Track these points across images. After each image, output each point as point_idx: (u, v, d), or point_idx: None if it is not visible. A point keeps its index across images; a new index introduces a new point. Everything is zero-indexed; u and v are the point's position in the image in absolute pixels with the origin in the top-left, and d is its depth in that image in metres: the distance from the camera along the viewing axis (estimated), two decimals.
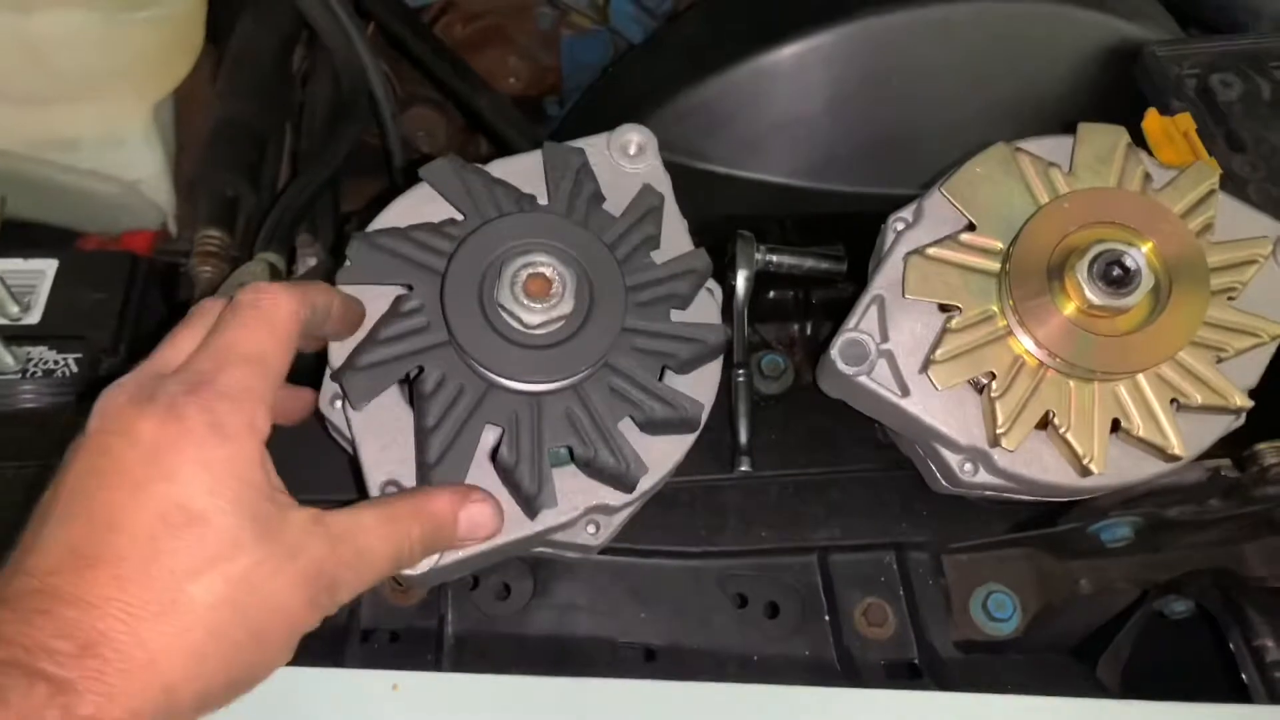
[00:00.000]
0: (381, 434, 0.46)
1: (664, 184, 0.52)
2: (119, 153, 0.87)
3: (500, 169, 0.50)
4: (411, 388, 0.46)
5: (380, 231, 0.47)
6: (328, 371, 0.49)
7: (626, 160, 0.52)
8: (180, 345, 0.41)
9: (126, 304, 0.77)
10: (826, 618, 0.60)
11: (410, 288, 0.46)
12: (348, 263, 0.46)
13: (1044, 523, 0.62)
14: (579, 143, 0.52)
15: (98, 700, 0.33)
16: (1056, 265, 0.49)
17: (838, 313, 0.71)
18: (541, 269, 0.44)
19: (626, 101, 0.88)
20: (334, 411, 0.48)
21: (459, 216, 0.48)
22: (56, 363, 0.74)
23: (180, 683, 0.35)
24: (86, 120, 0.85)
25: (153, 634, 0.35)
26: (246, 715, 0.46)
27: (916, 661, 0.59)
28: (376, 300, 0.47)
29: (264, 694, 0.45)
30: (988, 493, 0.56)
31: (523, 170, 0.50)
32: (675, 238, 0.51)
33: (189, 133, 0.91)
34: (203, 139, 0.90)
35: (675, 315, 0.49)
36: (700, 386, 0.49)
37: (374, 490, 0.46)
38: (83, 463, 0.38)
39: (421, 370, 0.45)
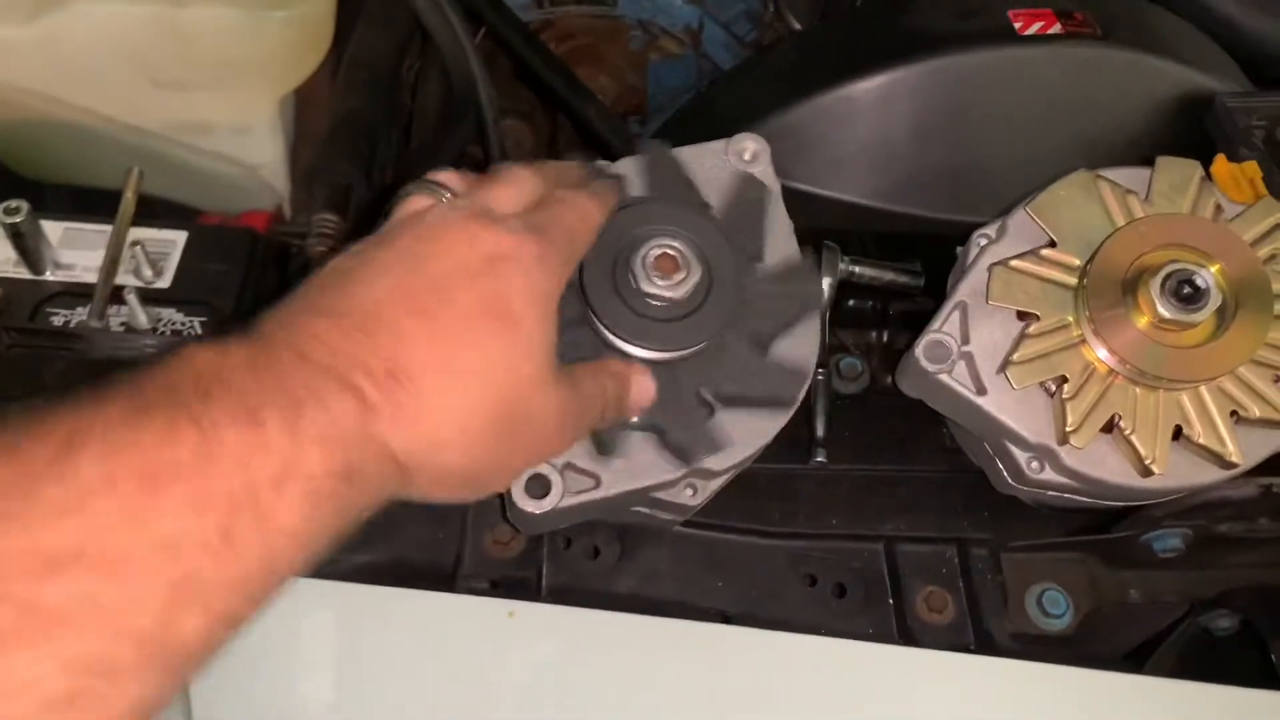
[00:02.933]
0: None
1: (775, 186, 0.58)
2: (245, 139, 0.94)
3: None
4: None
5: None
6: None
7: (742, 165, 0.58)
8: (502, 199, 0.45)
9: (247, 275, 0.83)
10: (890, 601, 0.64)
11: None
12: None
13: (1099, 530, 0.66)
14: (700, 147, 0.58)
15: (388, 427, 0.36)
16: (1131, 281, 0.54)
17: (913, 324, 0.76)
18: (670, 250, 0.49)
19: (719, 120, 0.94)
20: None
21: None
22: (183, 324, 0.80)
23: (445, 446, 0.39)
24: (220, 107, 0.92)
25: (444, 392, 0.38)
26: (376, 632, 0.52)
27: (973, 647, 0.63)
28: None
29: (392, 612, 0.51)
30: (1050, 493, 0.61)
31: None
32: (781, 231, 0.57)
33: (307, 125, 0.98)
34: (320, 131, 0.98)
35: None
36: (802, 350, 0.54)
37: None
38: (419, 239, 0.42)
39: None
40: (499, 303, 0.41)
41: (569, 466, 0.52)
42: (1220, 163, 0.74)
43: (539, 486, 0.51)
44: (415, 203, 0.45)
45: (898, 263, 0.75)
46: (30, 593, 0.28)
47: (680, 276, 0.49)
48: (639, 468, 0.52)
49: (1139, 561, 0.66)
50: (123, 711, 0.30)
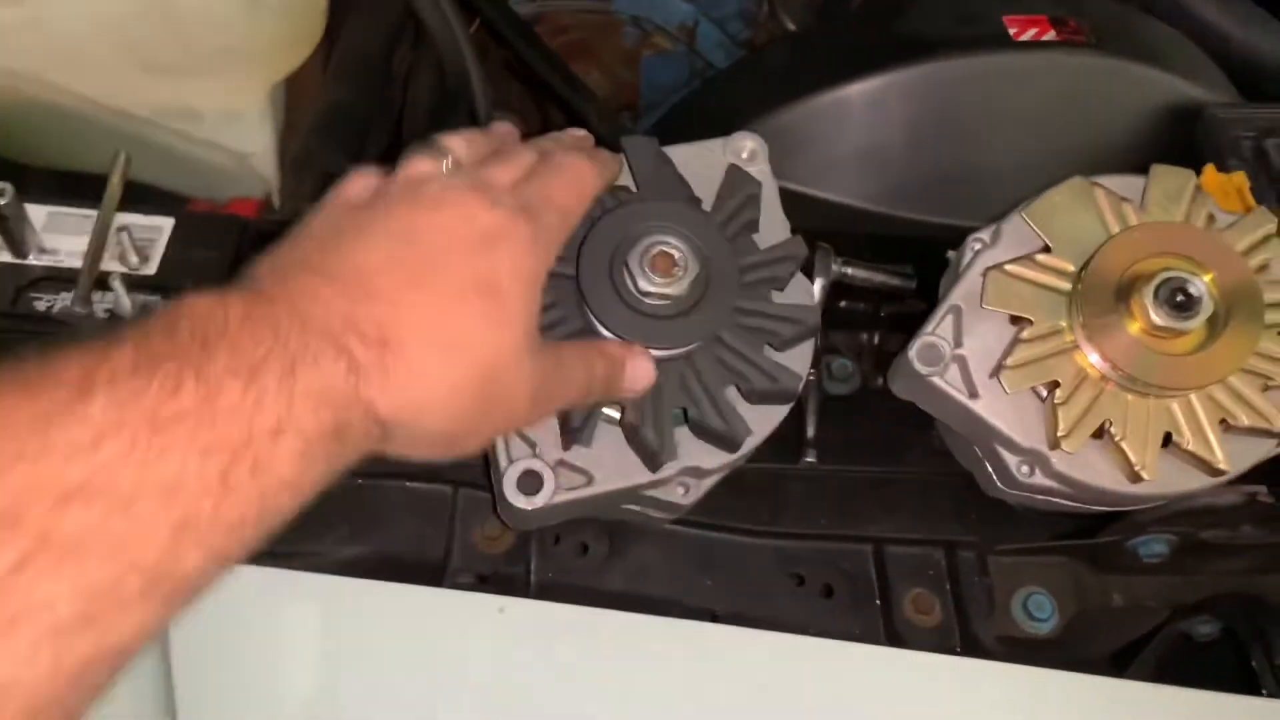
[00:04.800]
0: None
1: (771, 185, 0.58)
2: (235, 127, 0.93)
3: None
4: None
5: None
6: None
7: (739, 163, 0.58)
8: (500, 175, 0.47)
9: (235, 263, 0.82)
10: (878, 602, 0.65)
11: None
12: None
13: (1084, 535, 0.67)
14: (698, 145, 0.58)
15: (377, 391, 0.38)
16: (1125, 288, 0.54)
17: (905, 326, 0.76)
18: (667, 248, 0.49)
19: (714, 119, 0.94)
20: None
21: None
22: None
23: (426, 411, 0.40)
24: (210, 94, 0.91)
25: (431, 361, 0.40)
26: (363, 626, 0.52)
27: (959, 649, 0.63)
28: None
29: (381, 606, 0.51)
30: (1039, 497, 0.61)
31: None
32: (776, 226, 0.57)
33: (297, 114, 0.98)
34: (310, 121, 0.97)
35: (775, 296, 0.55)
36: (797, 363, 0.54)
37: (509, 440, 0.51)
38: (417, 209, 0.43)
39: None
40: (489, 279, 0.42)
41: (561, 463, 0.52)
42: (1209, 173, 0.75)
43: (531, 482, 0.50)
44: (418, 165, 0.46)
45: (890, 265, 0.75)
46: (47, 522, 0.30)
47: (678, 274, 0.49)
48: (631, 465, 0.52)
49: (1124, 566, 0.66)
50: (127, 637, 0.32)
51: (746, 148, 0.58)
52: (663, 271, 0.49)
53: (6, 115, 0.92)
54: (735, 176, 0.56)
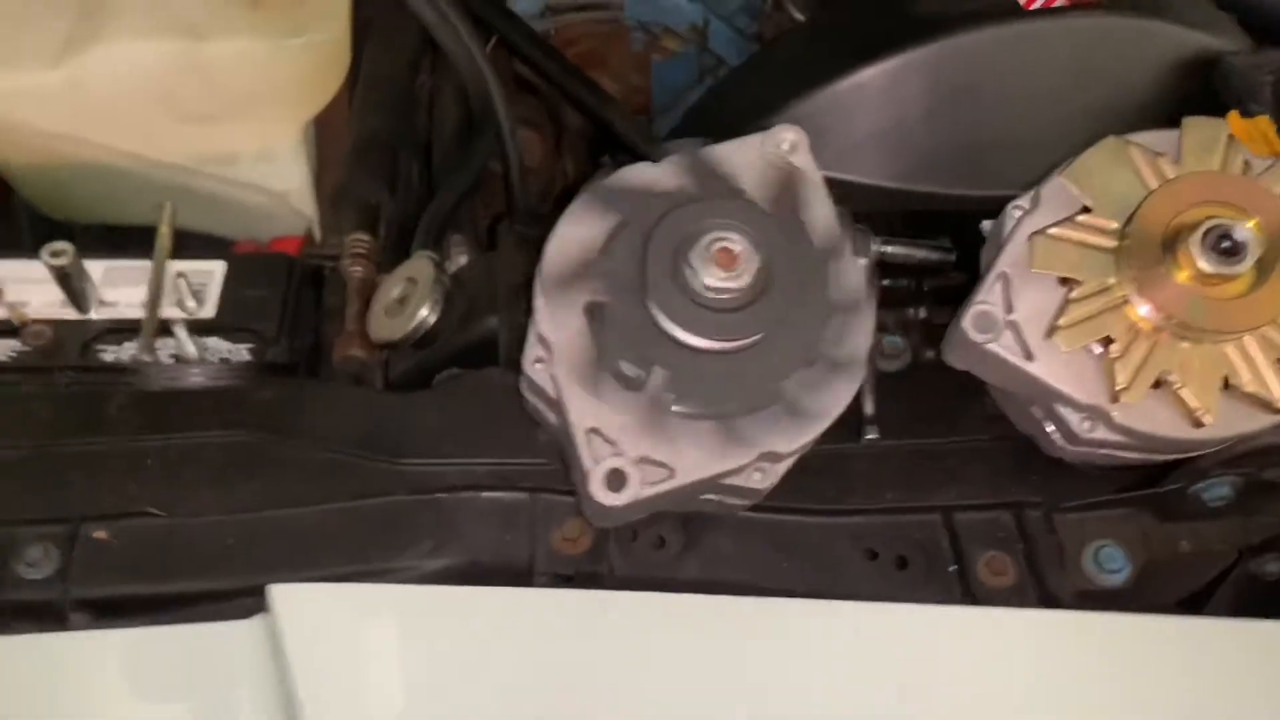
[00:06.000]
0: (584, 389, 0.53)
1: (815, 175, 0.60)
2: (271, 167, 0.96)
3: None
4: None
5: (608, 186, 0.55)
6: (531, 335, 0.56)
7: (780, 156, 0.60)
8: None
9: (286, 300, 0.85)
10: (952, 569, 0.66)
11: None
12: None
13: (1147, 485, 0.68)
14: (738, 141, 0.60)
15: None
16: (1170, 240, 0.55)
17: (949, 298, 0.78)
18: (729, 243, 0.51)
19: (735, 114, 0.96)
20: (537, 371, 0.56)
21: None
22: (230, 351, 0.82)
23: None
24: (245, 137, 0.93)
25: None
26: (464, 630, 0.54)
27: (1039, 606, 0.64)
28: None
29: (498, 609, 0.53)
30: (1101, 451, 0.62)
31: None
32: (824, 216, 0.59)
33: (327, 147, 1.00)
34: (343, 153, 0.99)
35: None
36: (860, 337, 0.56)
37: (578, 434, 0.53)
38: None
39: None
40: None
41: (643, 459, 0.53)
42: (1233, 119, 0.76)
43: (617, 480, 0.52)
44: None
45: (927, 240, 0.77)
46: None
47: (740, 268, 0.51)
48: (710, 456, 0.54)
49: (1189, 513, 0.67)
50: None
51: (787, 140, 0.60)
52: (725, 266, 0.51)
53: (50, 176, 0.95)
54: (783, 170, 0.57)
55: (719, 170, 0.57)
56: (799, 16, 1.17)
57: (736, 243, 0.51)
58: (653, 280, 0.52)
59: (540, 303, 0.55)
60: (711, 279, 0.51)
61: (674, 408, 0.54)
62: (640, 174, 0.57)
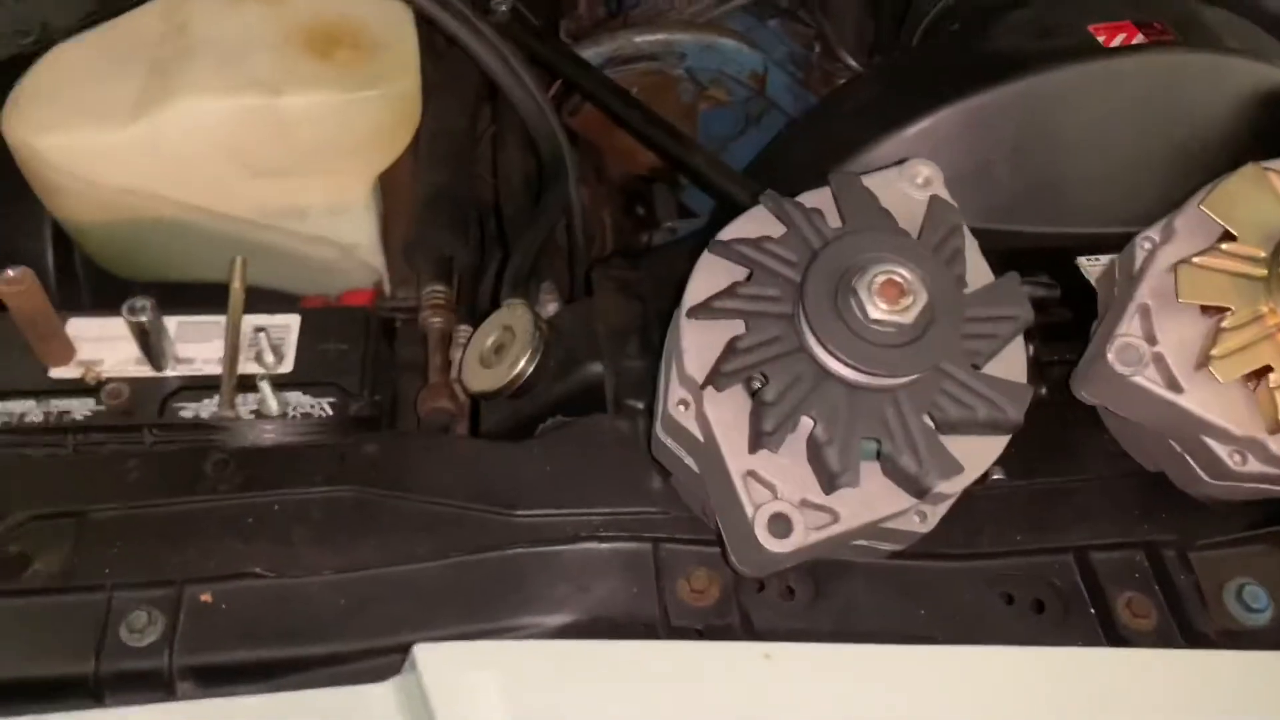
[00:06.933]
0: (739, 432, 0.51)
1: (958, 214, 0.58)
2: (341, 220, 0.94)
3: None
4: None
5: (737, 240, 0.53)
6: (672, 378, 0.54)
7: (915, 190, 0.59)
8: None
9: (366, 353, 0.83)
10: (1092, 611, 0.64)
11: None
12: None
13: (1274, 520, 0.66)
14: (874, 175, 0.59)
15: None
16: None
17: (1056, 335, 0.77)
18: (896, 276, 0.50)
19: (804, 161, 0.96)
20: (681, 413, 0.54)
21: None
22: (312, 406, 0.80)
23: None
24: (316, 190, 0.92)
25: None
26: (625, 685, 0.51)
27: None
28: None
29: (647, 665, 0.50)
30: (1246, 485, 0.61)
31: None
32: (976, 258, 0.57)
33: (392, 200, 0.99)
34: (406, 205, 0.98)
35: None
36: (1013, 370, 0.54)
37: (736, 478, 0.51)
38: None
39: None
40: None
41: (805, 503, 0.51)
42: None
43: (782, 525, 0.50)
44: None
45: (1030, 278, 0.76)
46: None
47: (906, 302, 0.49)
48: (876, 498, 0.52)
49: None
50: None
51: (922, 174, 0.59)
52: (890, 299, 0.49)
53: (120, 233, 0.93)
54: (938, 206, 0.56)
55: (875, 204, 0.56)
56: (853, 64, 1.18)
57: (904, 276, 0.50)
58: (814, 310, 0.50)
59: (686, 343, 0.53)
60: (877, 312, 0.49)
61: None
62: (781, 208, 0.55)
